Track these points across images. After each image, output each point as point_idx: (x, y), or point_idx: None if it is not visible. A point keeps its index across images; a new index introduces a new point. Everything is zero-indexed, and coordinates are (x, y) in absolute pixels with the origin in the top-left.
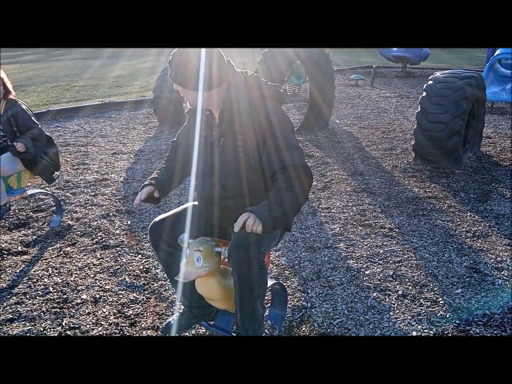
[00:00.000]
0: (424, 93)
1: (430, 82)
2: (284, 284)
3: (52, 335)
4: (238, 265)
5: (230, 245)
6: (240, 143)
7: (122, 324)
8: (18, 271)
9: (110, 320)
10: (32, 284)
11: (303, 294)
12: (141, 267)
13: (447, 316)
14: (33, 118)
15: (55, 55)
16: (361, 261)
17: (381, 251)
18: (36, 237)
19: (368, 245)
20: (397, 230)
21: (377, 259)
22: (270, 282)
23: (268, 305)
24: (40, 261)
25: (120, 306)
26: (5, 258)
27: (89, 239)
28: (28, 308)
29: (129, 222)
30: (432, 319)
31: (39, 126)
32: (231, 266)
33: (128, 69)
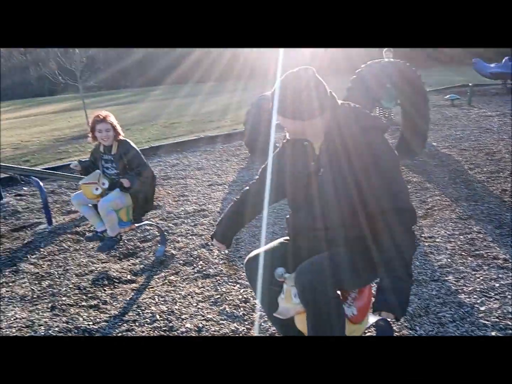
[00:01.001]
0: None
1: None
2: (389, 319)
3: None
4: (302, 288)
5: (297, 269)
6: (340, 175)
7: None
8: (128, 298)
9: None
10: (140, 312)
11: (410, 332)
12: (240, 296)
13: None
14: (141, 156)
15: (153, 95)
16: (475, 296)
17: (497, 285)
18: (143, 266)
19: (481, 278)
20: None
21: (493, 294)
22: (373, 319)
23: None
24: (147, 290)
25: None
26: (116, 286)
27: (191, 268)
28: (138, 336)
29: (226, 251)
30: None
31: (147, 164)
32: (297, 290)
33: (218, 105)
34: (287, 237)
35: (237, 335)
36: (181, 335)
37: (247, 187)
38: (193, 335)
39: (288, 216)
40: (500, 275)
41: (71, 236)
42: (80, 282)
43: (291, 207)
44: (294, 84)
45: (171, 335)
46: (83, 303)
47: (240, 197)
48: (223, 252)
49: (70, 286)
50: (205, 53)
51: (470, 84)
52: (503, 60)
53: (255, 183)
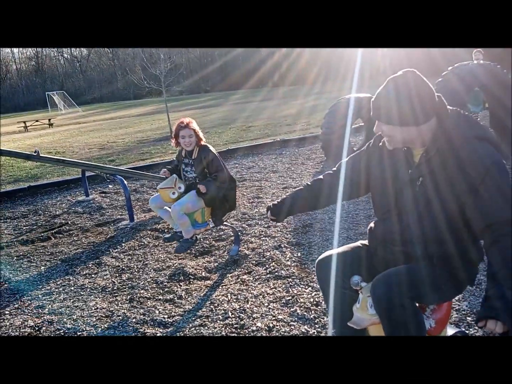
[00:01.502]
0: None
1: None
2: (467, 331)
3: None
4: (378, 300)
5: (373, 280)
6: (444, 185)
7: None
8: (202, 295)
9: None
10: (213, 308)
11: None
12: (311, 300)
13: None
14: (220, 162)
15: (233, 99)
16: None
17: None
18: (217, 264)
19: None
20: None
21: None
22: (451, 331)
23: None
24: (220, 287)
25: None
26: (191, 282)
27: (263, 268)
28: (210, 331)
29: (299, 254)
30: None
31: (224, 170)
32: (373, 303)
33: (294, 108)
34: (363, 242)
35: (308, 336)
36: (251, 333)
37: (321, 176)
38: (263, 334)
39: (372, 224)
40: None
41: (151, 232)
42: (158, 277)
43: (378, 215)
44: (401, 89)
45: (242, 333)
46: (160, 297)
47: (311, 183)
48: (295, 255)
49: (148, 280)
50: (283, 56)
51: None
52: None
53: (330, 174)
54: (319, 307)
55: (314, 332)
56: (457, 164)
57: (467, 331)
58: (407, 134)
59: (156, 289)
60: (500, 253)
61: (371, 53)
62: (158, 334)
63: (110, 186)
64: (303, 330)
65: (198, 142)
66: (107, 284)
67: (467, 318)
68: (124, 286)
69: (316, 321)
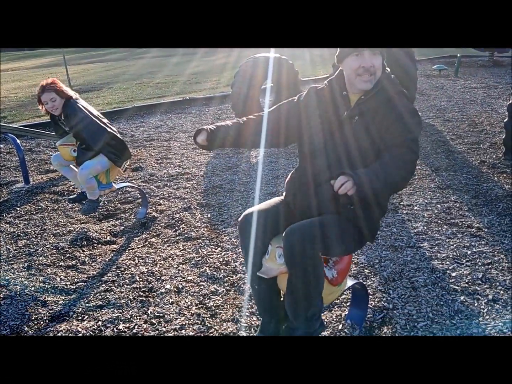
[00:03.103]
0: None
1: None
2: (364, 283)
3: (138, 323)
4: (290, 247)
5: (287, 229)
6: (372, 123)
7: (203, 315)
8: (107, 259)
9: (192, 310)
10: (120, 273)
11: (384, 295)
12: (221, 259)
13: None
14: (82, 118)
15: (138, 53)
16: (447, 262)
17: (469, 252)
18: (123, 227)
19: (455, 245)
20: (486, 230)
21: (464, 261)
22: (350, 282)
23: (348, 304)
24: (127, 251)
25: (201, 297)
26: (95, 247)
27: (172, 230)
28: (117, 296)
29: (209, 215)
30: None
31: (87, 127)
32: (283, 249)
33: (204, 66)
34: (281, 198)
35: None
36: (160, 296)
37: (245, 119)
38: (172, 296)
39: (292, 171)
40: (472, 243)
41: (49, 195)
42: (58, 243)
43: (304, 159)
44: None
45: (150, 296)
46: (61, 263)
47: (241, 121)
48: (205, 217)
49: (48, 246)
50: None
51: (458, 55)
52: None
53: (254, 120)
54: (228, 266)
55: (223, 290)
56: (386, 106)
57: (364, 282)
58: (379, 65)
59: (56, 255)
60: (389, 158)
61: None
62: (60, 302)
63: (1, 145)
64: (212, 289)
65: (67, 100)
66: (1, 252)
67: (365, 270)
68: (20, 254)
69: (225, 279)
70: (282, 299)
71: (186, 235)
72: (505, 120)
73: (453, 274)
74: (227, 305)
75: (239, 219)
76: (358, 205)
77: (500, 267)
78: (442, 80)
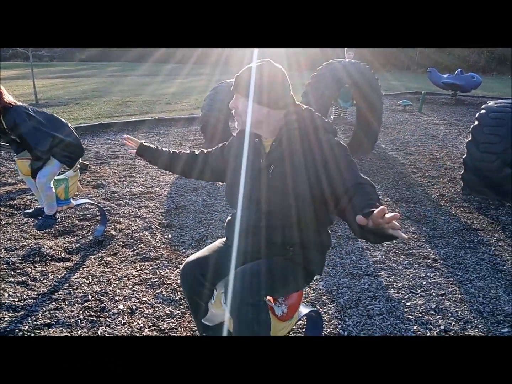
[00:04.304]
0: (476, 122)
1: (483, 111)
2: (321, 310)
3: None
4: (232, 295)
5: (226, 278)
6: (293, 169)
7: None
8: (59, 277)
9: (145, 332)
10: (72, 291)
11: (340, 322)
12: (179, 281)
13: None
14: (25, 127)
15: (110, 71)
16: (403, 292)
17: (424, 283)
18: (79, 245)
19: (411, 275)
20: (441, 261)
21: (419, 291)
22: (306, 310)
23: (304, 330)
24: (81, 269)
25: (155, 319)
26: (48, 264)
27: (130, 250)
28: (66, 315)
29: (169, 236)
30: None
31: (34, 139)
32: (226, 298)
33: (176, 87)
34: (223, 240)
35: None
36: (112, 316)
37: (200, 151)
38: (125, 317)
39: (229, 217)
40: (428, 274)
41: (4, 209)
42: (9, 257)
43: (243, 205)
44: (270, 74)
45: (102, 316)
46: (10, 279)
47: (189, 152)
48: (166, 237)
49: None
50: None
51: (423, 92)
52: (456, 72)
53: (201, 156)
54: None
55: (178, 313)
56: (303, 149)
57: (320, 309)
58: (258, 114)
59: (6, 270)
60: (362, 194)
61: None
62: (6, 319)
63: None
64: (167, 312)
65: (5, 108)
66: None
67: (323, 297)
68: None
69: (181, 302)
70: None
71: (144, 255)
72: (463, 156)
73: (408, 304)
74: (181, 328)
75: (181, 267)
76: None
77: (453, 298)
78: (406, 115)
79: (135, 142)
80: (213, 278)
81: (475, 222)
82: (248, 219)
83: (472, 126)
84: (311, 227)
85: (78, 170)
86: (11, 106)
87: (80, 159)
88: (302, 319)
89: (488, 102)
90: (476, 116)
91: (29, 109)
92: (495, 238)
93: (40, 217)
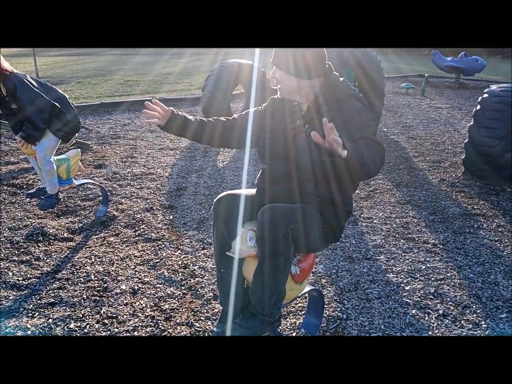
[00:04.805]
0: (478, 106)
1: (485, 95)
2: (320, 289)
3: (90, 322)
4: (262, 224)
5: (262, 207)
6: (323, 129)
7: (157, 318)
8: (62, 256)
9: (147, 312)
10: (75, 271)
11: (339, 305)
12: (180, 262)
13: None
14: (26, 94)
15: (112, 48)
16: (402, 276)
17: (423, 267)
18: (82, 225)
19: (410, 259)
20: (441, 246)
21: (418, 275)
22: (307, 288)
23: (303, 312)
24: (84, 249)
25: (157, 300)
26: (51, 243)
27: (132, 231)
28: (70, 294)
29: (171, 217)
30: None
31: (31, 104)
32: (257, 228)
33: (179, 67)
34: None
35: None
36: (114, 296)
37: (224, 119)
38: (127, 297)
39: (260, 171)
40: (427, 258)
41: (7, 188)
42: (13, 236)
43: (269, 159)
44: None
45: (104, 295)
46: (14, 258)
47: (213, 120)
48: (167, 218)
49: (1, 239)
50: None
51: (426, 75)
52: (460, 55)
53: (230, 121)
54: (186, 269)
55: (180, 294)
56: (338, 112)
57: (321, 289)
58: (290, 83)
59: (10, 249)
60: (362, 144)
61: None
62: (10, 297)
63: None
64: (169, 292)
65: (6, 75)
66: None
67: (322, 280)
68: None
69: (182, 283)
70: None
71: (146, 235)
72: (465, 141)
73: (407, 288)
74: (182, 309)
75: (215, 200)
76: (339, 161)
77: (452, 283)
78: (409, 98)
79: (163, 110)
80: (242, 216)
81: (475, 207)
82: (281, 170)
83: (474, 110)
84: (338, 186)
85: (79, 149)
86: (9, 72)
87: (76, 134)
88: (301, 301)
89: (491, 86)
90: (479, 100)
91: (28, 77)
92: (495, 224)
93: (42, 197)
